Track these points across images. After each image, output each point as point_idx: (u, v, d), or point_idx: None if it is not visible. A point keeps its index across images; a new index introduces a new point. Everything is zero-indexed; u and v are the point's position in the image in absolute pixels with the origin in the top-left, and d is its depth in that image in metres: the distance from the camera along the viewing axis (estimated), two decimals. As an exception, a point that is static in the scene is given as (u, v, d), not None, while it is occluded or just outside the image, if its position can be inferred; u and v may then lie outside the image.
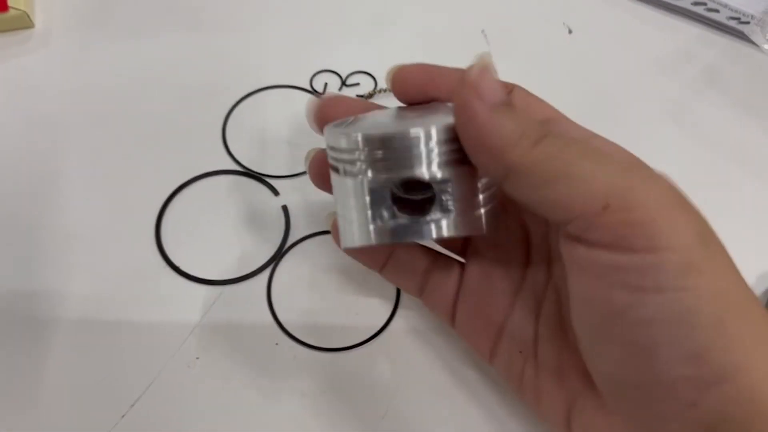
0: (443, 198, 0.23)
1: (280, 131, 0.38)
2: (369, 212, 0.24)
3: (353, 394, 0.31)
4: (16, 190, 0.35)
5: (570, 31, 0.44)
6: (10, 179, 0.35)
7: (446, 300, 0.29)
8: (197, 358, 0.31)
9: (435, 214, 0.23)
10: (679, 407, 0.20)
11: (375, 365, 0.31)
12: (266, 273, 0.33)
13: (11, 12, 0.40)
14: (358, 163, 0.23)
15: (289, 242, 0.34)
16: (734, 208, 0.37)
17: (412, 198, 0.24)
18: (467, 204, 0.23)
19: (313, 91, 0.39)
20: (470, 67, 0.22)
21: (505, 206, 0.27)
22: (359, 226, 0.24)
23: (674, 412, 0.20)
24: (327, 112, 0.27)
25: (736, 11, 0.43)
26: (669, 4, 0.44)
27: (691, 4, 0.44)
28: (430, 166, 0.23)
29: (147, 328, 0.32)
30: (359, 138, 0.23)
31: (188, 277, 0.33)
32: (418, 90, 0.26)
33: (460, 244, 0.30)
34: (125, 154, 0.37)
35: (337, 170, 0.24)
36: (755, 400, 0.19)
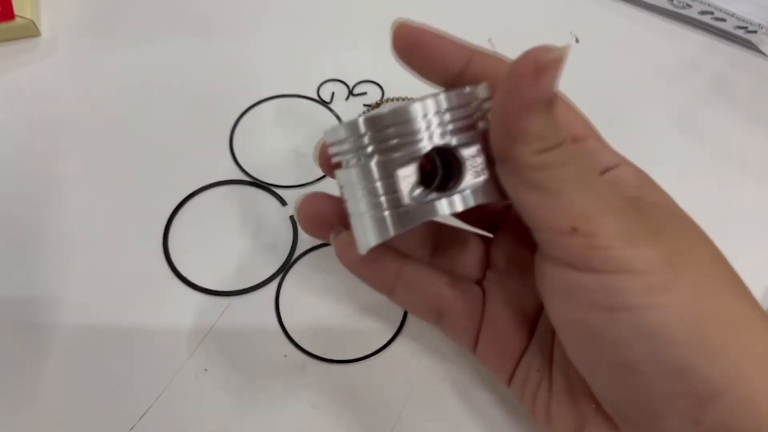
0: (453, 171, 0.23)
1: (287, 141, 0.38)
2: (382, 198, 0.22)
3: (363, 407, 0.30)
4: (21, 197, 0.35)
5: (577, 40, 0.44)
6: (16, 186, 0.35)
7: (469, 328, 0.28)
8: (206, 369, 0.31)
9: (445, 190, 0.22)
10: (682, 425, 0.20)
11: (384, 377, 0.31)
12: (274, 284, 0.33)
13: (17, 20, 0.40)
14: (360, 151, 0.22)
15: (297, 253, 0.34)
16: (740, 216, 0.37)
17: (421, 176, 0.23)
18: (478, 174, 0.23)
19: (321, 100, 0.39)
20: (550, 49, 0.20)
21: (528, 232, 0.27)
22: (372, 219, 0.23)
23: (678, 430, 0.20)
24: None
25: (743, 20, 0.43)
26: (676, 13, 0.44)
27: (699, 13, 0.44)
28: (431, 138, 0.22)
29: (155, 339, 0.32)
30: (359, 122, 0.22)
31: (196, 287, 0.33)
32: (418, 51, 0.25)
33: (479, 260, 0.29)
34: (132, 163, 0.37)
35: (341, 165, 0.24)
36: (759, 412, 0.19)
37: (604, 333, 0.21)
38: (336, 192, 0.26)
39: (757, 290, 0.34)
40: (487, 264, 0.29)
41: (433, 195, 0.22)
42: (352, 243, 0.25)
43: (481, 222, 0.30)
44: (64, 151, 0.37)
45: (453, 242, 0.30)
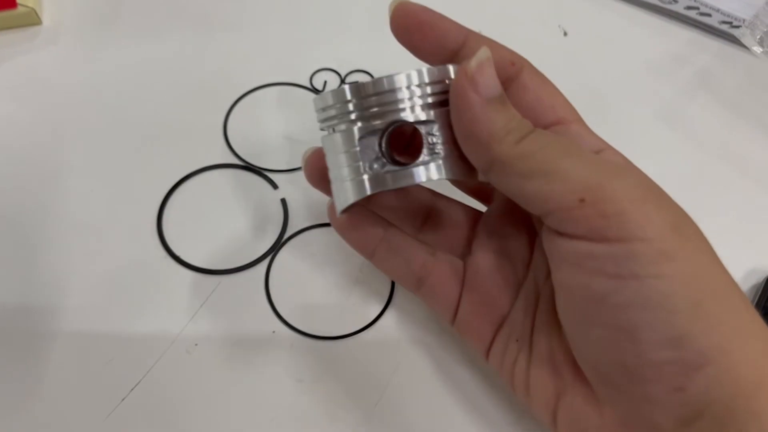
0: (430, 141, 0.24)
1: (279, 127, 0.39)
2: (360, 163, 0.24)
3: (348, 382, 0.31)
4: (21, 182, 0.36)
5: (565, 34, 0.45)
6: (16, 172, 0.36)
7: (449, 296, 0.29)
8: (196, 344, 0.32)
9: (424, 158, 0.24)
10: (666, 391, 0.21)
11: (370, 354, 0.32)
12: (264, 263, 0.34)
13: (19, 9, 0.40)
14: (345, 116, 0.24)
15: (287, 234, 0.35)
16: (724, 207, 0.38)
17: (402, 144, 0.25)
18: (456, 147, 0.24)
19: (313, 89, 0.40)
20: (470, 60, 0.22)
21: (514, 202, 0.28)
22: (351, 181, 0.24)
23: (661, 396, 0.21)
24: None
25: (728, 15, 0.44)
26: (662, 8, 0.45)
27: (685, 8, 0.45)
28: (414, 109, 0.23)
29: (148, 315, 0.32)
30: (345, 89, 0.23)
31: (188, 266, 0.34)
32: (417, 29, 0.26)
33: (465, 238, 0.30)
34: (129, 148, 0.38)
35: (326, 130, 0.25)
36: (738, 381, 0.20)
37: (608, 299, 0.21)
38: None
39: (737, 275, 0.35)
40: (471, 238, 0.30)
41: (410, 163, 0.23)
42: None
43: (480, 193, 0.31)
44: (63, 138, 0.38)
45: (442, 219, 0.30)
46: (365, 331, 0.33)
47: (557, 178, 0.21)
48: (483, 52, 0.22)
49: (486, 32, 0.44)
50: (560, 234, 0.22)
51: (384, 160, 0.24)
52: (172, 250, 0.34)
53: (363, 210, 0.28)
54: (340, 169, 0.25)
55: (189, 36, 0.42)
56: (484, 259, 0.29)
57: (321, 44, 0.43)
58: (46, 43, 0.42)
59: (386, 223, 0.28)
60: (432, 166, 0.23)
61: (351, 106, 0.24)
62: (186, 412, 0.30)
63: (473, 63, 0.22)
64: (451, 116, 0.23)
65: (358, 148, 0.24)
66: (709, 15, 0.44)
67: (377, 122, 0.23)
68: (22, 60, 0.41)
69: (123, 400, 0.30)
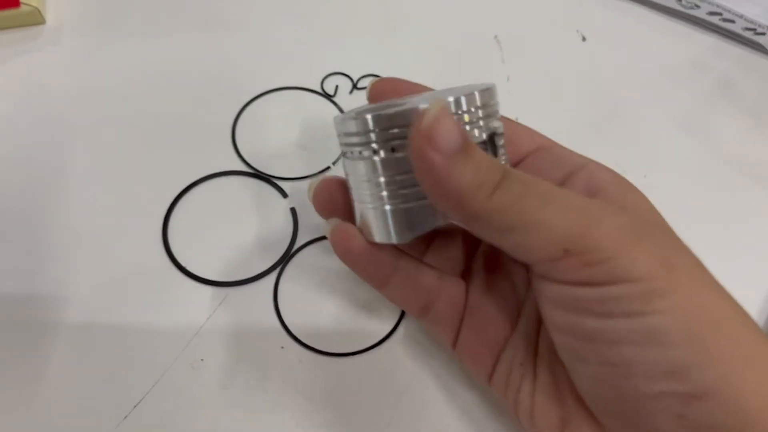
0: None
1: (289, 133, 0.38)
2: (378, 193, 0.24)
3: (358, 401, 0.30)
4: (23, 186, 0.35)
5: (584, 39, 0.43)
6: (18, 175, 0.35)
7: (452, 321, 0.28)
8: (202, 359, 0.31)
9: None
10: (668, 420, 0.20)
11: (380, 372, 0.31)
12: (273, 276, 0.33)
13: (23, 8, 0.39)
14: (366, 145, 0.23)
15: (297, 245, 0.34)
16: (745, 218, 0.37)
17: None
18: None
19: (324, 94, 0.39)
20: (423, 114, 0.21)
21: None
22: (371, 207, 0.24)
23: (666, 425, 0.20)
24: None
25: (751, 22, 0.43)
26: (684, 13, 0.44)
27: (707, 14, 0.43)
28: None
29: (152, 328, 0.31)
30: (367, 117, 0.23)
31: (194, 277, 0.33)
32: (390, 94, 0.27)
33: (463, 261, 0.30)
34: (134, 152, 0.36)
35: (348, 155, 0.25)
36: (744, 410, 0.20)
37: (599, 336, 0.21)
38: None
39: (758, 292, 0.33)
40: (471, 256, 0.29)
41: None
42: (351, 234, 0.25)
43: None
44: (65, 140, 0.37)
45: (445, 240, 0.30)
46: (376, 348, 0.32)
47: (538, 229, 0.21)
48: (436, 104, 0.21)
49: (504, 38, 0.43)
50: (546, 278, 0.22)
51: (411, 192, 0.23)
52: (177, 261, 0.33)
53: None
54: (361, 193, 0.24)
55: (195, 37, 0.41)
56: (484, 281, 0.28)
57: (331, 47, 0.42)
58: (50, 43, 0.40)
59: (397, 250, 0.27)
60: None
61: (372, 137, 0.23)
62: (190, 431, 0.29)
63: (427, 119, 0.21)
64: (417, 178, 0.22)
65: (378, 179, 0.23)
66: (732, 21, 0.43)
67: (399, 153, 0.23)
68: (25, 60, 0.40)
69: (125, 417, 0.29)
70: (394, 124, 0.22)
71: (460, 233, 0.30)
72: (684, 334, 0.20)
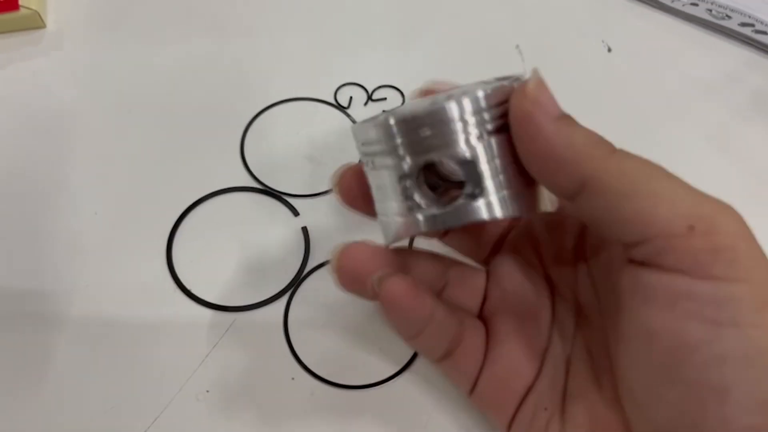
0: (485, 176, 0.21)
1: (301, 147, 0.36)
2: (406, 202, 0.22)
3: (374, 438, 0.28)
4: (20, 196, 0.33)
5: (609, 50, 0.42)
6: (16, 184, 0.34)
7: (472, 367, 0.26)
8: (207, 391, 0.29)
9: (478, 195, 0.21)
10: None
11: (397, 406, 0.29)
12: (283, 300, 0.31)
13: (22, 11, 0.38)
14: (390, 151, 0.21)
15: (309, 267, 0.32)
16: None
17: (452, 180, 0.23)
18: (511, 183, 0.21)
19: (338, 105, 0.37)
20: (527, 81, 0.21)
21: (529, 260, 0.27)
22: (400, 217, 0.22)
23: None
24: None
25: (786, 34, 0.41)
26: (715, 24, 0.42)
27: (739, 24, 0.42)
28: (468, 141, 0.21)
29: (154, 357, 0.30)
30: (391, 124, 0.21)
31: (200, 301, 0.31)
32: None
33: (479, 301, 0.28)
34: (137, 164, 0.35)
35: (370, 165, 0.23)
36: None
37: (701, 349, 0.19)
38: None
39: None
40: (484, 297, 0.28)
41: (462, 201, 0.21)
42: (403, 285, 0.23)
43: (473, 252, 0.29)
44: (65, 148, 0.35)
45: (460, 281, 0.28)
46: (392, 381, 0.30)
47: (665, 199, 0.19)
48: (536, 73, 0.21)
49: (526, 48, 0.40)
50: (653, 267, 0.20)
51: (434, 197, 0.22)
52: (182, 283, 0.31)
53: (420, 292, 0.24)
54: (387, 203, 0.23)
55: (203, 46, 0.39)
56: (506, 324, 0.26)
57: (345, 56, 0.40)
58: (50, 47, 0.39)
59: (433, 294, 0.25)
60: (493, 201, 0.21)
61: (397, 142, 0.21)
62: (195, 470, 0.27)
63: (532, 83, 0.20)
64: (517, 145, 0.21)
65: (406, 184, 0.21)
66: (764, 33, 0.41)
67: (427, 156, 0.21)
68: (25, 65, 0.38)
69: (125, 454, 0.27)
70: (419, 124, 0.21)
71: (474, 271, 0.28)
72: None
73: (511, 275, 0.27)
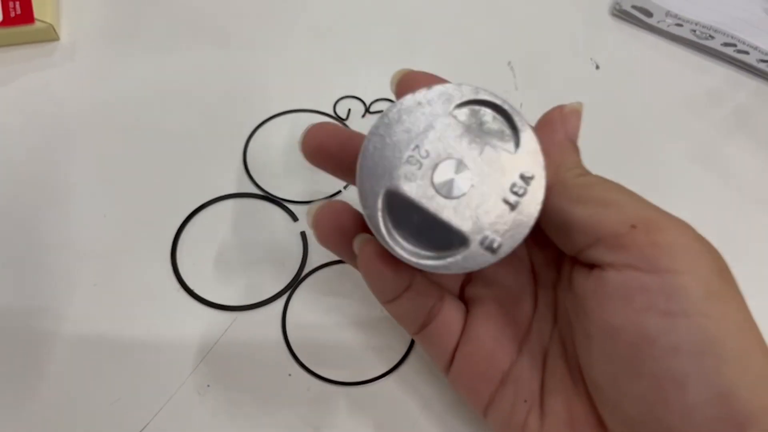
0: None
1: (301, 156, 0.37)
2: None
3: (366, 431, 0.30)
4: (29, 201, 0.35)
5: (597, 67, 0.43)
6: (27, 190, 0.35)
7: (447, 343, 0.27)
8: (208, 385, 0.30)
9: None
10: None
11: (389, 402, 0.31)
12: (282, 300, 0.33)
13: (37, 24, 0.40)
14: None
15: (306, 269, 0.34)
16: (762, 251, 0.36)
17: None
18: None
19: (337, 117, 0.39)
20: (570, 104, 0.26)
21: (518, 253, 0.28)
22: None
23: None
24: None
25: (766, 53, 0.43)
26: (699, 44, 0.44)
27: (721, 45, 0.43)
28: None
29: (158, 352, 0.31)
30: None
31: (202, 301, 0.32)
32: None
33: (461, 282, 0.29)
34: (144, 171, 0.36)
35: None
36: None
37: (659, 339, 0.20)
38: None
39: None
40: (466, 285, 0.29)
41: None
42: (379, 249, 0.24)
43: None
44: (76, 156, 0.37)
45: None
46: (386, 377, 0.31)
47: (612, 206, 0.22)
48: (579, 105, 0.26)
49: (517, 65, 0.43)
50: (607, 267, 0.22)
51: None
52: (185, 283, 0.33)
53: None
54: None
55: (209, 57, 0.41)
56: (482, 306, 0.27)
57: (345, 70, 0.41)
58: (63, 59, 0.40)
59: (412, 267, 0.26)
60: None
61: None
62: (195, 460, 0.29)
63: (570, 107, 0.25)
64: (539, 129, 0.25)
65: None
66: (746, 53, 0.43)
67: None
68: (39, 76, 0.40)
69: (129, 444, 0.28)
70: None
71: None
72: (736, 349, 0.20)
73: (497, 270, 0.28)
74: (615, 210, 0.22)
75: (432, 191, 0.21)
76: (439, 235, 0.21)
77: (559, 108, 0.25)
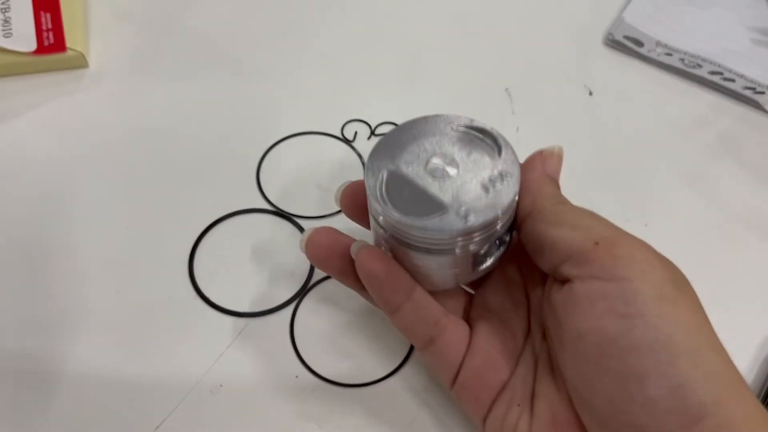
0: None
1: (310, 174, 0.40)
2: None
3: (369, 429, 0.32)
4: (60, 215, 0.38)
5: (590, 93, 0.46)
6: (57, 204, 0.38)
7: (454, 358, 0.29)
8: (221, 385, 0.33)
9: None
10: None
11: (391, 402, 0.33)
12: (290, 308, 0.35)
13: (69, 52, 0.42)
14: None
15: (314, 280, 0.36)
16: (744, 272, 0.38)
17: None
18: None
19: (344, 139, 0.42)
20: (553, 147, 0.29)
21: (512, 278, 0.31)
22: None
23: None
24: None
25: (751, 81, 0.45)
26: (687, 72, 0.46)
27: (709, 73, 0.46)
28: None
29: (175, 354, 0.33)
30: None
31: (216, 307, 0.35)
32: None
33: (465, 304, 0.32)
34: (164, 188, 0.39)
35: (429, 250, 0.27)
36: None
37: (619, 340, 0.23)
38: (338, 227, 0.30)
39: (752, 341, 0.35)
40: (469, 310, 0.31)
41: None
42: (377, 255, 0.27)
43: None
44: (101, 174, 0.39)
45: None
46: (387, 379, 0.33)
47: (581, 228, 0.25)
48: (559, 149, 0.29)
49: (513, 91, 0.45)
50: (574, 279, 0.25)
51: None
52: (202, 291, 0.35)
53: (394, 263, 0.28)
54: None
55: (226, 85, 0.44)
56: (485, 325, 0.30)
57: (352, 95, 0.44)
58: (92, 85, 0.43)
59: (413, 280, 0.29)
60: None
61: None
62: (208, 453, 0.31)
63: (548, 150, 0.29)
64: (525, 167, 0.28)
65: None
66: (732, 80, 0.45)
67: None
68: (68, 100, 0.43)
69: (148, 437, 0.31)
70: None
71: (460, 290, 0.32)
72: (688, 346, 0.22)
73: (495, 293, 0.31)
74: (582, 231, 0.25)
75: (423, 172, 0.26)
76: (425, 206, 0.25)
77: (539, 152, 0.29)
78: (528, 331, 0.30)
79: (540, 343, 0.29)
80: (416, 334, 0.29)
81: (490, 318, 0.30)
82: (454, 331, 0.29)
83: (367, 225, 0.30)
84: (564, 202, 0.27)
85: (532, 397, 0.28)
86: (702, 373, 0.22)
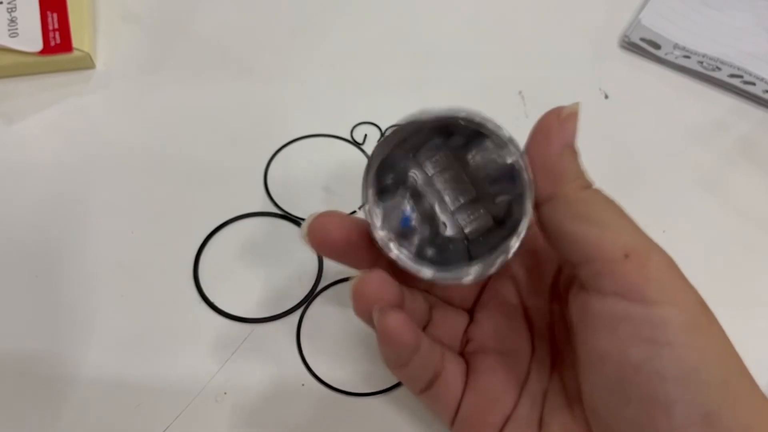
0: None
1: (318, 177, 0.39)
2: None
3: (375, 441, 0.31)
4: (64, 218, 0.37)
5: (606, 96, 0.45)
6: (62, 207, 0.37)
7: (452, 398, 0.27)
8: (225, 393, 0.32)
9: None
10: None
11: (399, 412, 0.32)
12: (297, 314, 0.34)
13: (75, 53, 0.42)
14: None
15: (321, 285, 0.35)
16: (765, 277, 0.37)
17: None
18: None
19: (353, 142, 0.41)
20: (565, 106, 0.24)
21: (510, 301, 0.29)
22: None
23: None
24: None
25: (772, 85, 0.44)
26: (706, 75, 0.45)
27: (728, 76, 0.45)
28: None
29: (179, 360, 0.33)
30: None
31: (221, 313, 0.34)
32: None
33: (462, 337, 0.30)
34: (171, 190, 0.38)
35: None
36: None
37: (644, 367, 0.21)
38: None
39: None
40: (466, 339, 0.30)
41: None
42: (400, 319, 0.25)
43: (456, 301, 0.31)
44: (108, 176, 0.39)
45: (442, 316, 0.30)
46: (395, 389, 0.32)
47: (610, 229, 0.22)
48: (575, 106, 0.24)
49: (527, 94, 0.44)
50: (594, 291, 0.23)
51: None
52: (206, 296, 0.34)
53: (405, 315, 0.25)
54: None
55: (235, 87, 0.43)
56: (482, 357, 0.28)
57: (362, 98, 0.43)
58: (98, 86, 0.43)
59: (419, 332, 0.26)
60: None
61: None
62: (211, 463, 0.30)
63: (567, 110, 0.24)
64: (530, 143, 0.24)
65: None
66: (753, 84, 0.44)
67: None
68: (74, 101, 0.42)
69: (149, 446, 0.30)
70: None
71: (457, 314, 0.30)
72: (717, 376, 0.21)
73: (492, 318, 0.29)
74: (612, 234, 0.22)
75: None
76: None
77: (557, 111, 0.24)
78: (533, 352, 0.28)
79: (549, 370, 0.28)
80: (417, 382, 0.28)
81: (489, 350, 0.28)
82: (451, 370, 0.28)
83: (351, 263, 0.28)
84: (588, 186, 0.24)
85: (540, 424, 0.27)
86: (731, 401, 0.21)
